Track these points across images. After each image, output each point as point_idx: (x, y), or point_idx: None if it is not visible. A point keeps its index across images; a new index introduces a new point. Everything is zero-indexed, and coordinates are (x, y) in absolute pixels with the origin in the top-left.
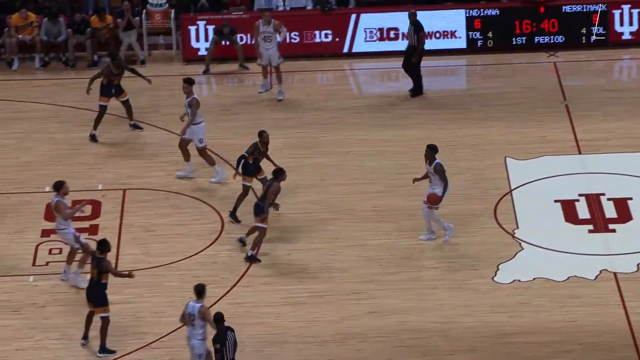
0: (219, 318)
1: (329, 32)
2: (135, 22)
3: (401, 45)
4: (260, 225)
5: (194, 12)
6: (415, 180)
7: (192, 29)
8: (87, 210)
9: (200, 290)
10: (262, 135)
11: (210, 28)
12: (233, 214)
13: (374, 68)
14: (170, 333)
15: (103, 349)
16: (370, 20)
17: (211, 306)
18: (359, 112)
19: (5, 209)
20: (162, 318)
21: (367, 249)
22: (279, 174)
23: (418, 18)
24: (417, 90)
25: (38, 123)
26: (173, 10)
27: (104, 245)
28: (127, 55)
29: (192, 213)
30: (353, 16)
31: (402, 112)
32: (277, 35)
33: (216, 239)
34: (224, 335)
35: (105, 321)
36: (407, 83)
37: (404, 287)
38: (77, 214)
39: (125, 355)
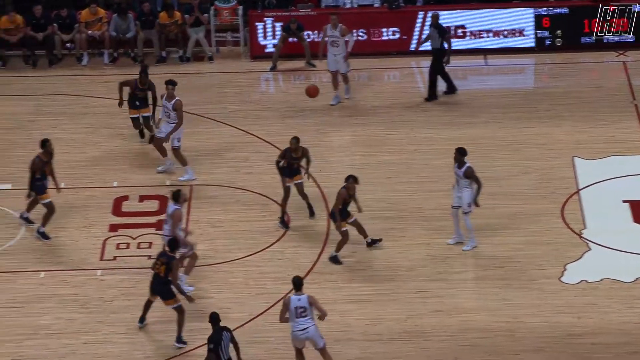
0: (214, 318)
1: (397, 29)
2: (204, 18)
3: (468, 43)
4: (340, 230)
5: (262, 9)
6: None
7: (260, 25)
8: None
9: (299, 283)
10: (291, 142)
11: (278, 25)
12: (282, 220)
13: None
14: (235, 329)
15: (179, 339)
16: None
17: (276, 303)
18: (425, 110)
19: (73, 203)
20: (228, 314)
21: (432, 248)
22: (347, 179)
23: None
24: (451, 89)
25: (106, 118)
26: (241, 7)
27: (175, 244)
28: (194, 51)
29: (257, 209)
30: (420, 14)
31: (468, 111)
32: (345, 42)
33: (282, 236)
34: (219, 336)
35: (180, 311)
36: (475, 81)
37: (469, 286)
38: (144, 209)
39: (192, 350)
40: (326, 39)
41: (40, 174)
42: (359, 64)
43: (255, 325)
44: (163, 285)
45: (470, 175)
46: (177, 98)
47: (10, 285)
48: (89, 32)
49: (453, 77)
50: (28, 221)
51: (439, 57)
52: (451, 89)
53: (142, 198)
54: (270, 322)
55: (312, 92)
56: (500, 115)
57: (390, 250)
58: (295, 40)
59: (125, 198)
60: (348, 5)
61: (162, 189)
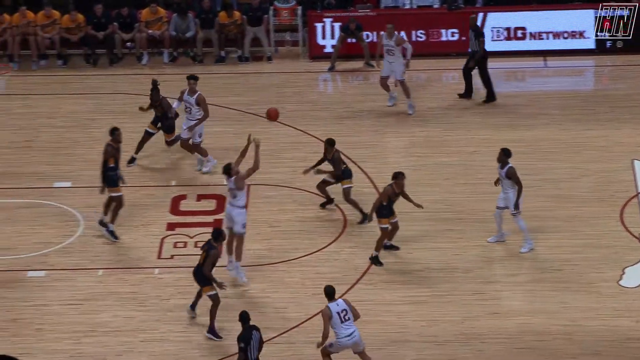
0: (244, 317)
1: (456, 30)
2: (263, 18)
3: (528, 45)
4: (380, 225)
5: (321, 9)
6: (496, 183)
7: (319, 26)
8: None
9: (331, 292)
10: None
11: (337, 25)
12: (364, 216)
13: (500, 67)
14: (292, 329)
15: (211, 330)
16: (498, 19)
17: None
18: (484, 111)
19: (132, 202)
20: (284, 314)
21: (490, 250)
22: (396, 176)
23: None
24: (490, 97)
25: None
26: (300, 7)
27: (218, 234)
28: (253, 51)
29: (315, 210)
30: (480, 15)
31: (527, 112)
32: (401, 50)
33: (338, 236)
34: (249, 335)
35: (214, 299)
36: (535, 83)
37: (527, 288)
38: (202, 208)
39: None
40: (383, 48)
41: (114, 162)
42: (417, 65)
43: (311, 325)
44: (200, 272)
45: (511, 176)
46: (199, 92)
47: (68, 282)
48: (149, 31)
49: (513, 78)
50: (105, 226)
51: (481, 59)
52: (468, 93)
53: (200, 197)
54: None
55: (272, 115)
56: (560, 117)
57: (447, 251)
58: (354, 40)
59: (183, 197)
60: (407, 6)
61: (219, 188)
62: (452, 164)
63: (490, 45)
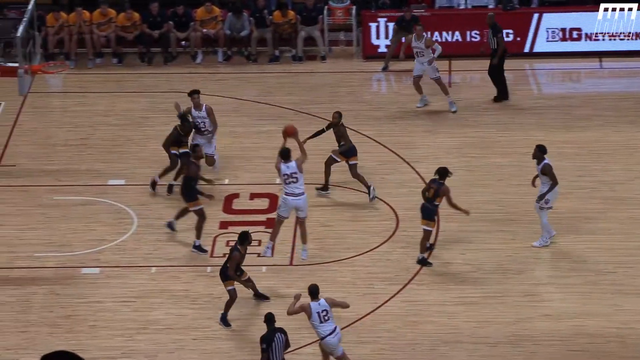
0: (269, 319)
1: (511, 31)
2: (318, 18)
3: (583, 46)
4: (425, 227)
5: (375, 9)
6: (533, 180)
7: (373, 26)
8: None
9: (315, 291)
10: (334, 116)
11: (391, 25)
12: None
13: (555, 68)
14: (343, 328)
15: (223, 318)
16: (553, 20)
17: (384, 303)
18: (538, 112)
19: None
20: (335, 313)
21: (543, 251)
22: (442, 174)
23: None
24: (502, 95)
25: (219, 116)
26: (354, 7)
27: (244, 238)
28: (307, 51)
29: (368, 209)
30: (535, 15)
31: (582, 113)
32: (431, 52)
33: (391, 236)
34: (271, 336)
35: (231, 295)
36: (590, 84)
37: (580, 290)
38: (254, 207)
39: (298, 349)
40: (413, 50)
41: (195, 181)
42: (471, 65)
43: (362, 325)
44: (224, 272)
45: (546, 172)
46: (205, 104)
47: (121, 280)
48: (204, 30)
49: (568, 79)
50: (172, 228)
51: (499, 58)
52: (503, 95)
53: (253, 196)
54: (378, 322)
55: (289, 131)
56: (615, 119)
57: (499, 252)
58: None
59: (236, 195)
60: (462, 6)
61: (272, 187)
62: (505, 165)
63: (545, 46)
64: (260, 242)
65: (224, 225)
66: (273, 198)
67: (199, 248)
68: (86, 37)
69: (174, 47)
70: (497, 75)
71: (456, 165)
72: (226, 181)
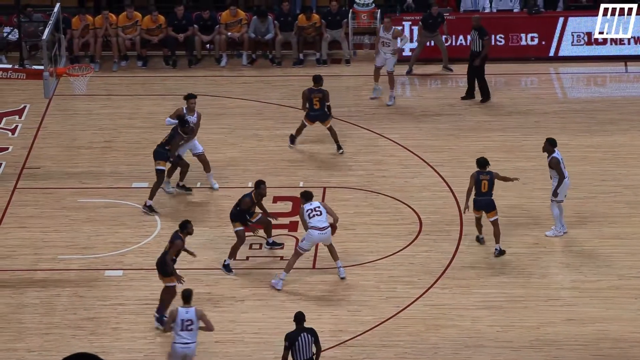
0: (298, 318)
1: (535, 35)
2: (343, 22)
3: (609, 50)
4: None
5: (400, 12)
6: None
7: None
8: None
9: (188, 296)
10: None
11: (416, 29)
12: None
13: (580, 72)
14: (365, 332)
15: (159, 319)
16: (578, 23)
17: (407, 307)
18: (563, 116)
19: (209, 202)
20: (358, 316)
21: (566, 255)
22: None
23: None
24: (485, 96)
25: (243, 119)
26: (379, 10)
27: (184, 225)
28: (331, 54)
29: (390, 213)
30: (560, 19)
31: (607, 118)
32: (398, 41)
33: (414, 240)
34: (296, 336)
35: (171, 291)
36: (615, 88)
37: (604, 295)
38: (278, 210)
39: (329, 348)
40: (379, 40)
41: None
42: (496, 68)
43: (385, 328)
44: (162, 258)
45: (553, 165)
46: (196, 110)
47: (145, 282)
48: (229, 33)
49: (593, 83)
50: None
51: (481, 60)
52: (470, 95)
53: (276, 199)
54: (401, 326)
55: None
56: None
57: (522, 257)
58: (433, 44)
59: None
60: (487, 10)
61: (295, 190)
62: (529, 169)
63: (570, 50)
64: (283, 245)
65: (247, 229)
66: (296, 201)
67: (226, 267)
68: (112, 40)
69: (199, 50)
70: (478, 76)
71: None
72: (250, 184)
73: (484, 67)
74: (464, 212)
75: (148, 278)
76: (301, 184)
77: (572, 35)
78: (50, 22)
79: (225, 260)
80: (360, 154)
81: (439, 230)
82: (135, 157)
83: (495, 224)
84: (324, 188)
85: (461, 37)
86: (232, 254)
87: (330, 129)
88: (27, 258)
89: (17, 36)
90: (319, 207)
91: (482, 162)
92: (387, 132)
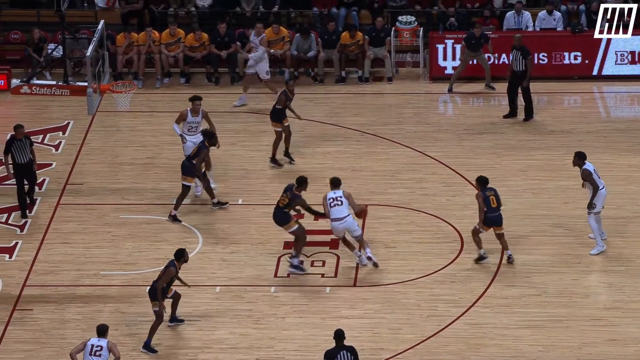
0: (338, 335)
1: (579, 53)
2: (386, 40)
3: None
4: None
5: (443, 30)
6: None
7: (440, 47)
8: None
9: (103, 329)
10: (289, 83)
11: (458, 47)
12: (274, 160)
13: (623, 92)
14: (406, 350)
15: (146, 346)
16: (622, 43)
17: (448, 325)
18: (606, 136)
19: (250, 219)
20: (398, 335)
21: (609, 275)
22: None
23: None
24: (529, 115)
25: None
26: (422, 29)
27: (180, 254)
28: (373, 72)
29: (432, 231)
30: (604, 38)
31: None
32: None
33: (455, 258)
34: (335, 352)
35: (157, 316)
36: None
37: None
38: (318, 228)
39: None
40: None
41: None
42: (539, 87)
43: (426, 347)
44: (154, 286)
45: (585, 177)
46: (202, 109)
47: (186, 299)
48: (271, 50)
49: (637, 102)
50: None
51: (520, 79)
52: (512, 113)
53: (318, 217)
54: (442, 344)
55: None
56: None
57: (565, 276)
58: (476, 62)
59: (300, 216)
60: (530, 28)
61: None
62: (571, 188)
63: (614, 69)
64: (324, 262)
65: (288, 245)
66: None
67: (297, 267)
68: (155, 57)
69: (241, 68)
70: (525, 96)
71: (522, 187)
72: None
73: (529, 86)
74: (484, 231)
75: (190, 294)
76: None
77: (616, 54)
78: (95, 39)
79: (292, 260)
80: (402, 171)
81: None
82: (177, 174)
83: (502, 236)
84: (366, 205)
85: (504, 55)
86: (297, 251)
87: (286, 133)
88: (69, 274)
89: (62, 53)
90: (340, 196)
91: (484, 181)
92: (429, 150)
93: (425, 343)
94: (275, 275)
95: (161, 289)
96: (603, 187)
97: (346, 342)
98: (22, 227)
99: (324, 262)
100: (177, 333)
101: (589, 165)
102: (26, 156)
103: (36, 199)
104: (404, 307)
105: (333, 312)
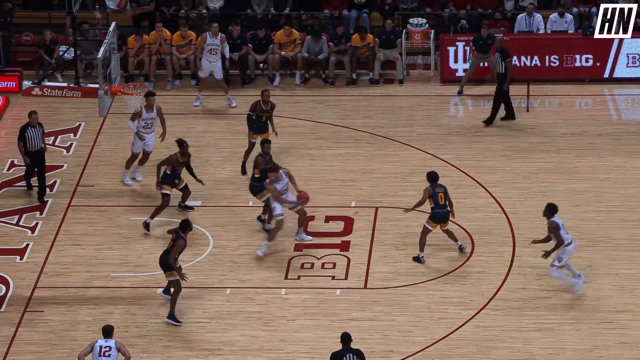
0: (345, 338)
1: (590, 56)
2: (397, 42)
3: None
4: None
5: (454, 33)
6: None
7: (451, 49)
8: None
9: (108, 331)
10: (264, 94)
11: (469, 49)
12: (243, 169)
13: (635, 94)
14: (416, 353)
15: (171, 316)
16: (633, 45)
17: (458, 328)
18: (617, 138)
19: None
20: (409, 337)
21: (621, 278)
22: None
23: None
24: (510, 115)
25: (296, 139)
26: (433, 31)
27: (185, 225)
28: (384, 74)
29: (442, 233)
30: (615, 41)
31: None
32: (226, 48)
33: (466, 261)
34: (341, 355)
35: (175, 285)
36: None
37: None
38: (330, 230)
39: None
40: (205, 48)
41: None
42: (550, 90)
43: (436, 349)
44: (165, 258)
45: (551, 230)
46: (155, 105)
47: (197, 301)
48: (282, 52)
49: None
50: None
51: (501, 82)
52: (510, 115)
53: (328, 219)
54: (452, 347)
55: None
56: None
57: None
58: (486, 64)
59: (312, 218)
60: (541, 31)
61: (347, 210)
62: (582, 191)
63: (625, 72)
64: (335, 264)
65: (298, 247)
66: (348, 221)
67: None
68: (166, 59)
69: (252, 70)
70: (503, 100)
71: (533, 190)
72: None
73: (508, 90)
74: (432, 228)
75: (200, 296)
76: (353, 204)
77: (627, 56)
78: (106, 40)
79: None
80: (413, 174)
81: (491, 251)
82: (187, 176)
83: (448, 231)
84: (376, 208)
85: (515, 57)
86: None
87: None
88: (80, 275)
89: (73, 55)
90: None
91: (434, 176)
92: (440, 153)
93: (436, 345)
94: (286, 278)
95: (174, 262)
96: (571, 243)
97: (357, 345)
98: (33, 229)
99: (334, 264)
100: (188, 335)
101: (557, 220)
102: (38, 144)
103: (47, 201)
104: (414, 309)
105: (343, 315)
